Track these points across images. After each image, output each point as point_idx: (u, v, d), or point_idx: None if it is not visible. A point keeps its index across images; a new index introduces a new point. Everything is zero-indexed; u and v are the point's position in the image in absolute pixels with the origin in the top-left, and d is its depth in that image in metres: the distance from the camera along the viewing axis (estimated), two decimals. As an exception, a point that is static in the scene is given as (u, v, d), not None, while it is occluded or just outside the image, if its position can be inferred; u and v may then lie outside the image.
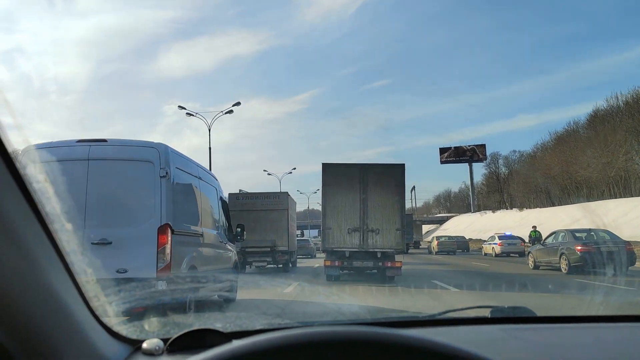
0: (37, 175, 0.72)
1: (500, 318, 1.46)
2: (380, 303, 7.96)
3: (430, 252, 31.35)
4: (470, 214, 74.11)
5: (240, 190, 19.29)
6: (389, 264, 10.96)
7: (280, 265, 15.98)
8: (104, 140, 5.30)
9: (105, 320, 0.95)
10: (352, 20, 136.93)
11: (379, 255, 11.02)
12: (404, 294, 9.12)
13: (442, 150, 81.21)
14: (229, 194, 17.41)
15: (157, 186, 5.10)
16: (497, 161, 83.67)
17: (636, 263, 14.41)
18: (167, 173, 5.15)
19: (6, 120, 0.66)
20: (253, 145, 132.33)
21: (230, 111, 26.26)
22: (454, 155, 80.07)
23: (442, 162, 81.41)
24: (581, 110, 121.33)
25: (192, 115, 25.96)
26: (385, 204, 11.24)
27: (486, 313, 1.49)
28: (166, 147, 5.44)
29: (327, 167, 11.65)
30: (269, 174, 47.56)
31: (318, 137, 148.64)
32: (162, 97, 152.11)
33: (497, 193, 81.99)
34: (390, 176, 11.41)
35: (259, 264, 15.58)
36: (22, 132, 0.77)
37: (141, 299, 2.11)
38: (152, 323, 1.30)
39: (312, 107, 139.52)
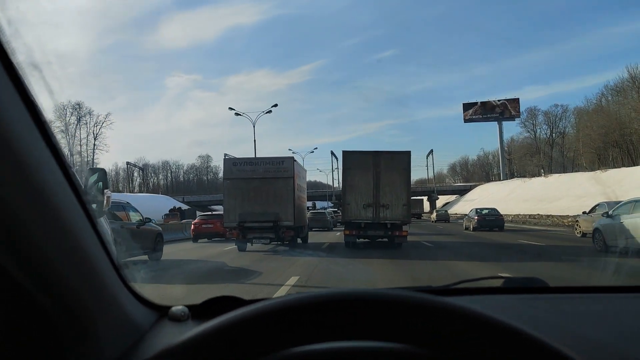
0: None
1: (513, 288, 1.54)
2: (391, 274, 8.76)
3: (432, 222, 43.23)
4: (502, 181, 67.49)
5: (225, 155, 17.62)
6: (397, 233, 13.85)
7: (286, 242, 14.73)
8: None
9: (132, 286, 0.97)
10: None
11: (388, 225, 13.82)
12: (414, 266, 10.42)
13: (467, 106, 75.65)
14: (225, 159, 15.95)
15: None
16: (536, 118, 75.84)
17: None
18: None
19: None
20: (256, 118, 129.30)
21: None
22: (480, 112, 74.18)
23: (466, 121, 76.06)
24: (592, 82, 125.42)
25: None
26: (394, 183, 13.91)
27: (498, 283, 1.55)
28: None
29: (346, 154, 14.54)
30: (236, 114, 40.98)
31: (324, 109, 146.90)
32: (165, 69, 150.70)
33: (537, 155, 73.72)
34: (399, 161, 14.12)
35: (262, 241, 14.35)
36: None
37: None
38: (177, 290, 1.30)
39: (316, 78, 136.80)
